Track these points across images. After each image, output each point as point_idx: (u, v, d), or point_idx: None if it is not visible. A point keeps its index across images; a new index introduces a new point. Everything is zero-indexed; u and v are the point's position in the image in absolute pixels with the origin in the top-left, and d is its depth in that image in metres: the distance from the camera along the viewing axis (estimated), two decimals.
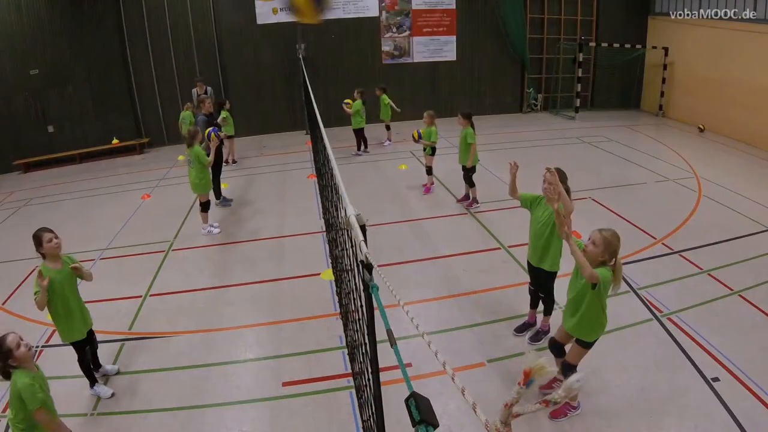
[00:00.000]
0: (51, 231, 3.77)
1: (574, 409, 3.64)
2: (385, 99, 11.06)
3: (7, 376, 2.96)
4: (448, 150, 10.33)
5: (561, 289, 4.62)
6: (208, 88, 11.38)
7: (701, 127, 12.04)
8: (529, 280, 4.59)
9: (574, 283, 3.46)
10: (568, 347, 3.64)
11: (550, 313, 4.49)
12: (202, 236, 7.11)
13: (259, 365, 4.38)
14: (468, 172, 7.44)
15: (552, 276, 4.27)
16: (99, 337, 4.80)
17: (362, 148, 10.88)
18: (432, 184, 8.40)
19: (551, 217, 3.94)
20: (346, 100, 10.58)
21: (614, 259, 3.23)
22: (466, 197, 7.69)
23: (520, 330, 4.58)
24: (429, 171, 8.30)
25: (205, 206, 7.12)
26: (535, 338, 4.48)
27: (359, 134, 10.73)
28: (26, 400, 2.87)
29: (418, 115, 8.50)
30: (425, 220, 7.20)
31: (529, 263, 4.40)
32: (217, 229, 7.21)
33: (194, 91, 11.18)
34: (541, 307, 4.55)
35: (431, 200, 8.00)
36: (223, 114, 9.63)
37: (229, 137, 10.18)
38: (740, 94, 10.80)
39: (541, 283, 4.38)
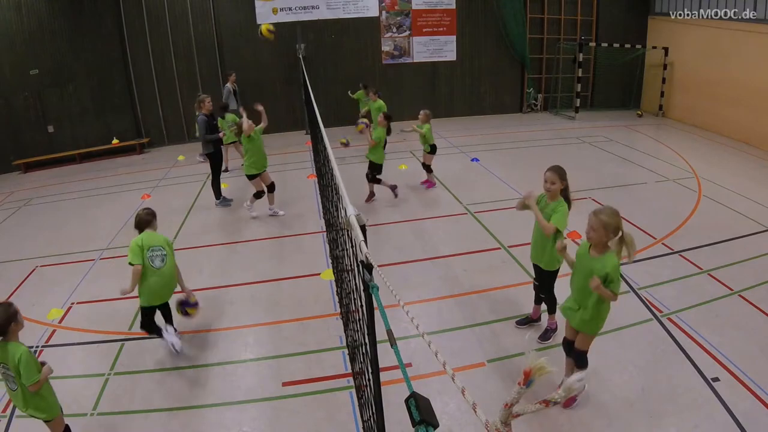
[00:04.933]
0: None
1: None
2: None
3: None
4: (448, 150, 10.39)
5: (560, 290, 4.65)
6: (227, 86, 11.07)
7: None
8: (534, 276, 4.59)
9: (581, 282, 3.39)
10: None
11: (554, 311, 4.48)
12: (251, 217, 7.49)
13: (259, 365, 4.38)
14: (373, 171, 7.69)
15: (551, 274, 4.28)
16: (98, 337, 4.84)
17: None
18: (433, 183, 8.42)
19: (548, 216, 3.99)
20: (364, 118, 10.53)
21: (620, 233, 3.14)
22: (391, 188, 7.88)
23: (522, 323, 4.63)
24: (429, 169, 8.31)
25: (259, 194, 7.38)
26: (545, 337, 4.47)
27: None
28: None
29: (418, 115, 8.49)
30: (425, 220, 7.20)
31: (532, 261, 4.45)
32: (282, 212, 7.61)
33: (228, 85, 10.91)
34: (544, 306, 4.55)
35: (431, 200, 7.99)
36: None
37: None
38: (740, 94, 10.79)
39: (540, 281, 4.39)
